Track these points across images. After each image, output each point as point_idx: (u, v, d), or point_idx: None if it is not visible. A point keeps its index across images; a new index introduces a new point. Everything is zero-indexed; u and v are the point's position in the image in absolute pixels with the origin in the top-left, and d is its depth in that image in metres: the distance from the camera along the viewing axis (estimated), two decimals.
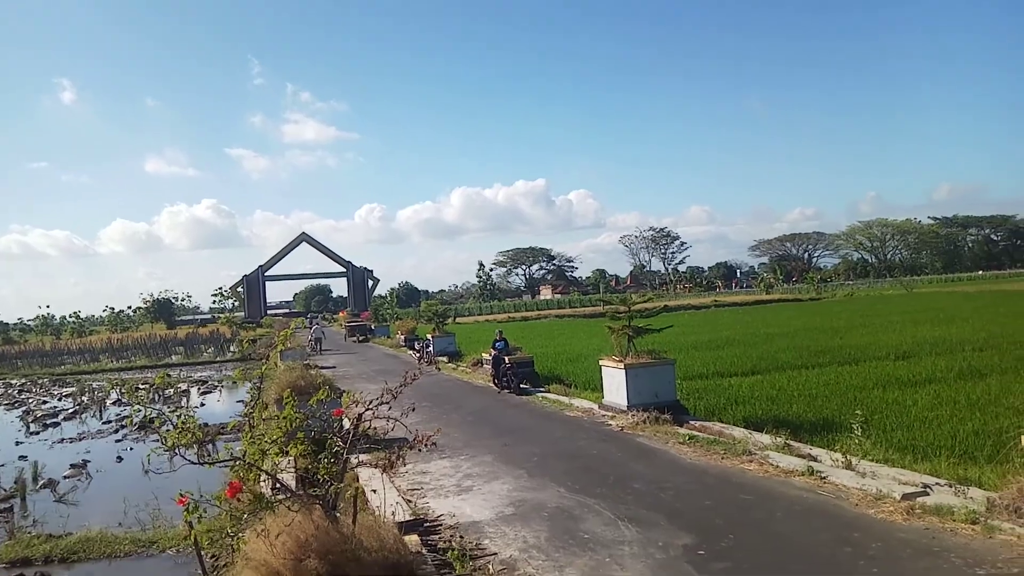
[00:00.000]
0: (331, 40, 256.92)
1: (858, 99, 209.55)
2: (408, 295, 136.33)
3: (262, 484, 6.23)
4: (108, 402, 24.81)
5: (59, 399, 27.46)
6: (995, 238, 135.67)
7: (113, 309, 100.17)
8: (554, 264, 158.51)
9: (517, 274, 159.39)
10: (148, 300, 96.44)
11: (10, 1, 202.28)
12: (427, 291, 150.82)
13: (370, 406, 4.93)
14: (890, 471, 7.87)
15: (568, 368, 20.46)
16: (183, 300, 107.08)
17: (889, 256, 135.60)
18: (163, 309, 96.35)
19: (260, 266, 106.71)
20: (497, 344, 18.56)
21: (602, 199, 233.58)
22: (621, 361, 12.68)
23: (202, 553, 5.99)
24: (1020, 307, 34.60)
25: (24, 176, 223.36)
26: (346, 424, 5.54)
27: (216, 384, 29.05)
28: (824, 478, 7.88)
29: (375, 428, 5.56)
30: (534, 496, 8.17)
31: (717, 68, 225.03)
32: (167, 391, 24.93)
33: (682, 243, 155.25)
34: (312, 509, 4.54)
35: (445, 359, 26.89)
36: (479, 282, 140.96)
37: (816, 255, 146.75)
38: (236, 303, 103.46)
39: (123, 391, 22.57)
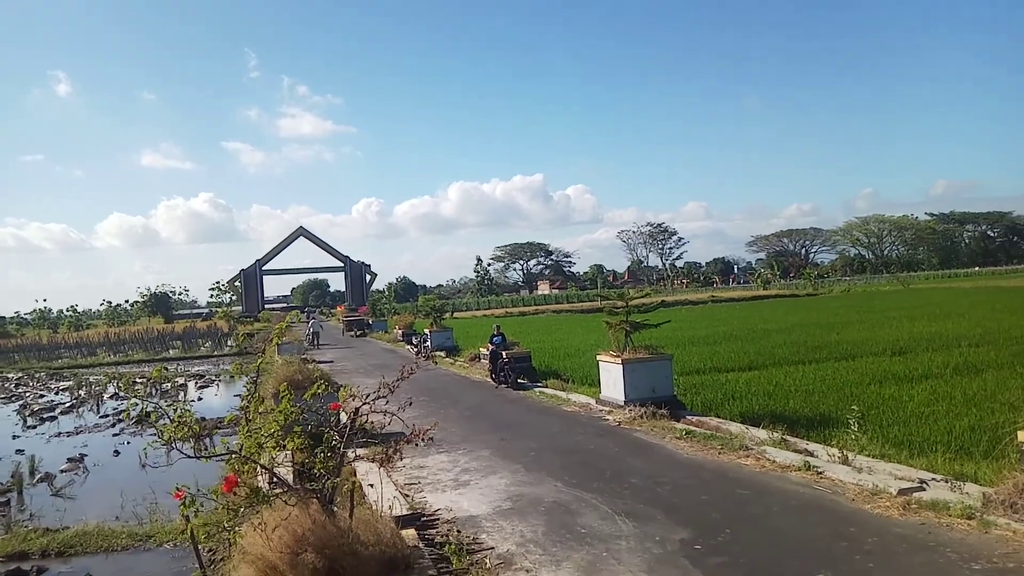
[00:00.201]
0: (328, 33, 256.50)
1: (855, 96, 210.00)
2: (406, 290, 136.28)
3: (259, 478, 6.23)
4: (105, 396, 24.76)
5: (56, 393, 27.39)
6: (992, 234, 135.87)
7: (110, 303, 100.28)
8: (552, 259, 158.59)
9: (515, 269, 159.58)
10: (145, 294, 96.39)
11: None
12: (425, 286, 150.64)
13: (367, 400, 4.92)
14: (886, 466, 7.90)
15: (565, 363, 20.48)
16: (180, 294, 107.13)
17: (886, 252, 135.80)
18: (160, 303, 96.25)
19: (257, 260, 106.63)
20: (494, 339, 18.55)
21: (600, 194, 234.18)
22: (618, 356, 12.68)
23: (199, 547, 5.99)
24: (1016, 303, 34.67)
25: (19, 169, 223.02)
26: (343, 418, 5.53)
27: (213, 378, 29.02)
28: (820, 473, 7.89)
29: (372, 422, 5.55)
30: (531, 491, 8.17)
31: (715, 65, 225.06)
32: (164, 385, 24.90)
33: (679, 239, 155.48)
34: (309, 503, 4.53)
35: (443, 354, 26.89)
36: (477, 277, 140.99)
37: (813, 251, 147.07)
38: (234, 297, 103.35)
39: (120, 385, 22.54)
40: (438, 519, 7.32)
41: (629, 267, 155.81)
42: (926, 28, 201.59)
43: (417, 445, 5.48)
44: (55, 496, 11.57)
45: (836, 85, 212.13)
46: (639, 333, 13.15)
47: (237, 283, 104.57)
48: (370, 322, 50.66)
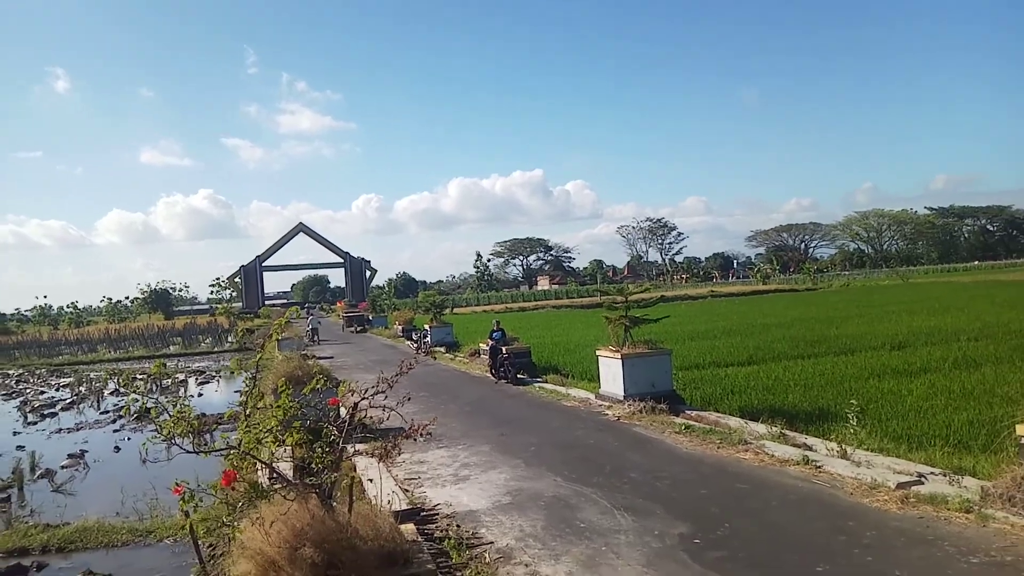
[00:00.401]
0: (327, 30, 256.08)
1: (855, 90, 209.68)
2: (406, 286, 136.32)
3: (259, 474, 6.24)
4: (106, 392, 24.79)
5: (56, 389, 27.41)
6: (991, 228, 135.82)
7: (111, 300, 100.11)
8: (551, 255, 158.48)
9: (514, 265, 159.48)
10: (145, 291, 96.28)
11: None
12: (425, 282, 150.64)
13: (366, 395, 4.92)
14: (885, 460, 7.91)
15: (565, 358, 20.49)
16: (181, 291, 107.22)
17: (885, 246, 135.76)
18: (160, 300, 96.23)
19: (257, 256, 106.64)
20: (494, 334, 18.55)
21: (599, 190, 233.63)
22: (618, 351, 12.69)
23: (198, 542, 6.01)
24: (1015, 297, 34.67)
25: (18, 166, 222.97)
26: (343, 413, 5.54)
27: (214, 374, 29.03)
28: (819, 467, 7.91)
29: (372, 417, 5.56)
30: (531, 485, 8.19)
31: (714, 59, 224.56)
32: (165, 381, 24.92)
33: (679, 234, 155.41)
34: (308, 498, 4.54)
35: (442, 349, 26.90)
36: (477, 273, 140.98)
37: (812, 245, 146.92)
38: (234, 293, 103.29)
39: (121, 381, 22.54)
40: (438, 514, 7.34)
41: (629, 262, 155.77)
42: (925, 22, 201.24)
43: (416, 440, 5.49)
44: (56, 492, 11.59)
45: (836, 79, 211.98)
46: (638, 328, 13.15)
47: (237, 279, 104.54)
48: (370, 318, 50.68)
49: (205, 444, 4.94)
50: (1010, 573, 5.04)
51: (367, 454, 7.65)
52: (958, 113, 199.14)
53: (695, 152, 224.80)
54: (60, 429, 17.85)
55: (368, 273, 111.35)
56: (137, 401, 5.40)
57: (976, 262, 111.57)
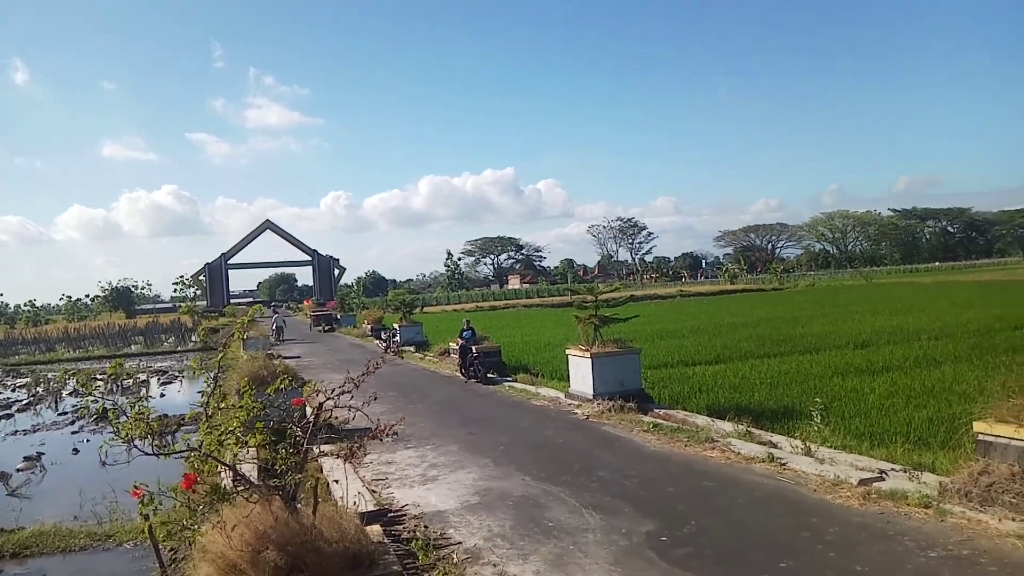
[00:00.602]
0: (295, 23, 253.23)
1: (822, 92, 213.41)
2: (375, 284, 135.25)
3: (223, 476, 6.12)
4: (64, 393, 24.17)
5: (12, 390, 26.66)
6: (951, 230, 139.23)
7: (70, 298, 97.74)
8: (522, 254, 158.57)
9: (485, 263, 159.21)
10: (107, 288, 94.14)
11: None
12: (394, 280, 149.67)
13: (331, 395, 4.85)
14: (848, 457, 8.04)
15: (535, 357, 20.52)
16: (143, 289, 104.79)
17: (850, 247, 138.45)
18: (122, 298, 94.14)
19: (223, 254, 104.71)
20: (464, 333, 18.49)
21: (570, 189, 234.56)
22: (587, 350, 12.73)
23: (159, 546, 5.86)
24: (974, 297, 35.65)
25: None
26: (308, 414, 5.46)
27: (177, 374, 28.49)
28: (784, 464, 8.01)
29: (337, 418, 5.49)
30: (499, 485, 8.16)
31: (684, 60, 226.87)
32: (126, 381, 24.38)
33: (649, 233, 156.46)
34: (271, 500, 4.46)
35: (412, 349, 26.75)
36: (447, 271, 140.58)
37: (779, 246, 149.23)
38: (198, 292, 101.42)
39: (79, 382, 21.98)
40: (405, 515, 7.28)
41: (599, 261, 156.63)
42: (889, 26, 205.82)
43: (383, 440, 5.43)
44: (11, 496, 11.26)
45: (803, 81, 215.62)
46: (608, 327, 13.21)
47: (202, 277, 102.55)
48: (338, 317, 50.21)
49: (167, 446, 4.82)
50: (966, 566, 5.15)
51: (334, 455, 7.57)
52: (920, 116, 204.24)
53: (665, 153, 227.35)
54: (16, 431, 17.38)
55: (336, 271, 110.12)
56: (95, 402, 5.25)
57: (937, 263, 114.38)
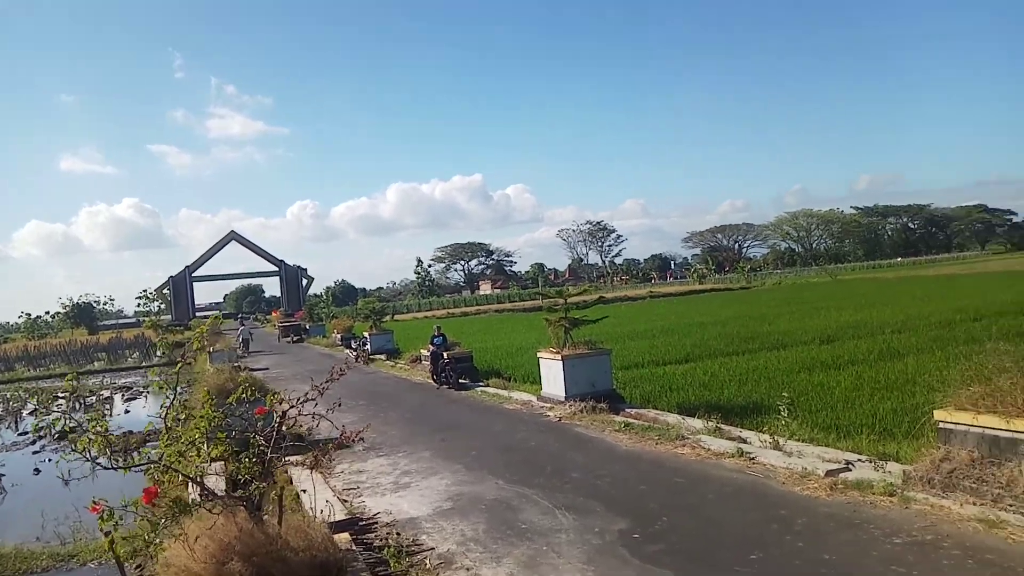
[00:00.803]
0: (256, 33, 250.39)
1: (784, 95, 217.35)
2: (345, 293, 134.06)
3: (189, 488, 5.98)
4: (24, 412, 23.45)
5: None
6: (912, 226, 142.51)
7: (29, 315, 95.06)
8: (493, 259, 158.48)
9: (456, 270, 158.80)
10: (67, 305, 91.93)
11: None
12: (364, 289, 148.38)
13: (295, 404, 4.77)
14: (815, 450, 8.16)
15: (507, 362, 20.49)
16: (106, 304, 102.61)
17: (814, 245, 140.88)
18: (84, 314, 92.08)
19: (187, 267, 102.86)
20: (435, 340, 18.40)
21: (539, 193, 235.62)
22: (558, 352, 12.74)
23: (123, 563, 5.71)
24: (935, 291, 36.54)
25: None
26: (273, 421, 5.36)
27: (142, 390, 27.85)
28: (753, 459, 8.10)
29: (303, 427, 5.40)
30: (472, 489, 8.12)
31: (649, 62, 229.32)
32: (89, 398, 23.78)
33: (618, 236, 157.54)
34: (235, 511, 4.36)
35: (383, 356, 26.54)
36: (417, 278, 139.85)
37: (746, 245, 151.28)
38: (162, 306, 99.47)
39: (39, 400, 21.41)
40: (377, 523, 7.19)
41: (570, 265, 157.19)
42: (850, 26, 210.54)
43: (352, 448, 5.36)
44: None
45: (766, 85, 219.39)
46: (579, 329, 13.25)
47: (166, 291, 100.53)
48: (307, 327, 49.62)
49: (130, 461, 4.69)
50: (930, 551, 5.25)
51: (302, 465, 7.45)
52: (880, 115, 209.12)
53: (632, 155, 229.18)
54: None
55: (304, 281, 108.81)
56: (49, 418, 5.11)
57: (899, 259, 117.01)
